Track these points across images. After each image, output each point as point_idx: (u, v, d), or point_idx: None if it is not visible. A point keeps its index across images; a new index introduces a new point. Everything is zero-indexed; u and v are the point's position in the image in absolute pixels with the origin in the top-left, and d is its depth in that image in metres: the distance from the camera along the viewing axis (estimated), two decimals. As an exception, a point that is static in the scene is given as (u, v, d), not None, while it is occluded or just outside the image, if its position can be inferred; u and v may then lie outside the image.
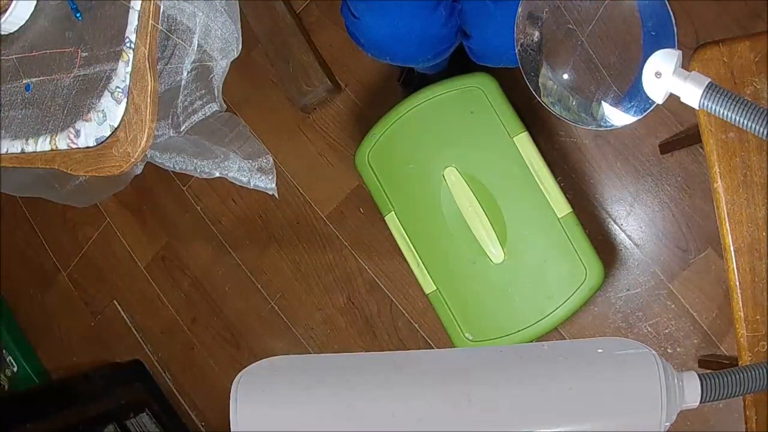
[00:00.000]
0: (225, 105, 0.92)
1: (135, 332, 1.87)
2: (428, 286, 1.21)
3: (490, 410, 0.45)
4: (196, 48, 0.81)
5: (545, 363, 0.47)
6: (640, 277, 1.43)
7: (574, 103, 0.63)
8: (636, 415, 0.45)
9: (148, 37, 0.74)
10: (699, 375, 0.46)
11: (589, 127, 0.63)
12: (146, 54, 0.74)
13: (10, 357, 1.94)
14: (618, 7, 0.60)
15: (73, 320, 1.95)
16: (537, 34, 0.62)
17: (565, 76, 0.62)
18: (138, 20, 0.73)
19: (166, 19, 0.76)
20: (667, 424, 0.44)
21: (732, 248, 0.79)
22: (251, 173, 0.99)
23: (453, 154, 1.20)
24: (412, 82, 1.51)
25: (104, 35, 0.78)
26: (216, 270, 1.77)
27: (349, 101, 1.62)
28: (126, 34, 0.74)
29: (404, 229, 1.22)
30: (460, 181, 1.18)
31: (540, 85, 0.64)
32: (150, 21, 0.73)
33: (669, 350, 1.41)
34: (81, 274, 1.94)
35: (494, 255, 1.17)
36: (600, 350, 0.48)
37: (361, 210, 1.62)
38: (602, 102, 0.61)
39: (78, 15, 0.82)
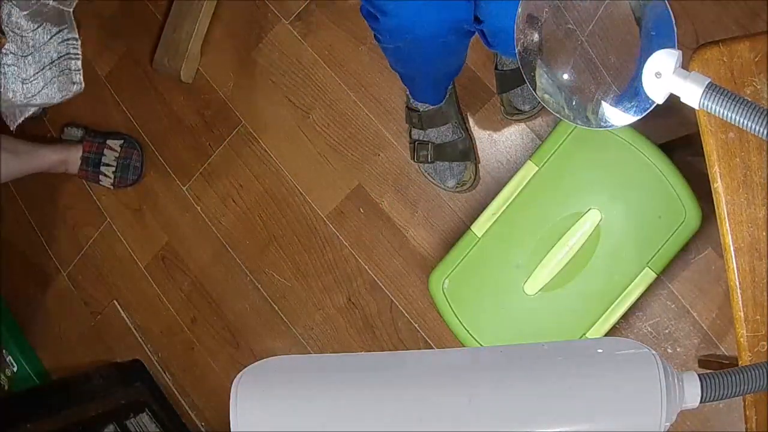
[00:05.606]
0: None
1: (135, 332, 1.87)
2: (480, 228, 1.19)
3: (490, 410, 0.45)
4: None
5: (545, 363, 0.47)
6: (640, 277, 1.43)
7: (574, 103, 0.63)
8: (636, 415, 0.45)
9: None
10: (699, 375, 0.46)
11: (589, 127, 0.62)
12: None
13: (10, 357, 1.93)
14: (618, 7, 0.60)
15: (73, 320, 1.95)
16: (537, 34, 0.62)
17: (565, 76, 0.62)
18: None
19: None
20: (667, 424, 0.44)
21: (732, 248, 0.79)
22: (60, 78, 0.93)
23: (607, 202, 1.16)
24: (427, 155, 1.52)
25: None
26: (216, 270, 1.77)
27: (350, 101, 1.62)
28: None
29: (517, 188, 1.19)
30: (591, 227, 1.15)
31: (540, 85, 0.64)
32: None
33: (669, 350, 1.41)
34: (81, 274, 1.94)
35: (531, 286, 1.16)
36: (600, 350, 0.48)
37: (361, 210, 1.62)
38: (602, 102, 0.61)
39: None
